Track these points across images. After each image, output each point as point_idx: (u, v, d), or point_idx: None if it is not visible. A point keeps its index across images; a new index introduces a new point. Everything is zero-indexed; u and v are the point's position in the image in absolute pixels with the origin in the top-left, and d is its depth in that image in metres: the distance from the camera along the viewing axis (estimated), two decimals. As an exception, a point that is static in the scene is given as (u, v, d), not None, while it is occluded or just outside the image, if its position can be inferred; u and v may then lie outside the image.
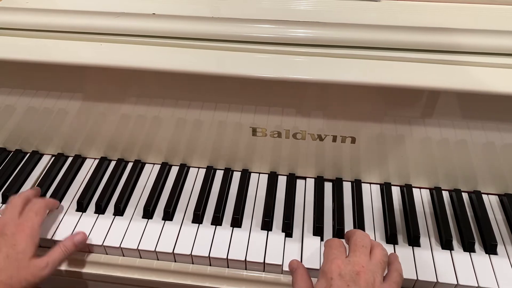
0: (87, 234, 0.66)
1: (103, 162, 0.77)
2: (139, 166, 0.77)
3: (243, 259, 0.63)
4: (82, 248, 0.66)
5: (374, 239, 0.65)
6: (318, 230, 0.66)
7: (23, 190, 0.74)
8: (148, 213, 0.69)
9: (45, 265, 0.59)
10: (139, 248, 0.64)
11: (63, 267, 0.66)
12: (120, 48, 0.66)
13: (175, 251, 0.64)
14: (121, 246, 0.65)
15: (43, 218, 0.64)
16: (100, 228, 0.67)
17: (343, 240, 0.59)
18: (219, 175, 0.75)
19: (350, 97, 0.63)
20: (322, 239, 0.65)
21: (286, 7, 0.75)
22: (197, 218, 0.68)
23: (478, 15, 0.73)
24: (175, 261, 0.65)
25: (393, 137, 0.67)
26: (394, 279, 0.55)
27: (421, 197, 0.71)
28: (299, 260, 0.62)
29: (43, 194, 0.72)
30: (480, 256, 0.63)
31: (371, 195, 0.72)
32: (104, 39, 0.67)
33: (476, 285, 0.59)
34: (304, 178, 0.74)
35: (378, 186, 0.73)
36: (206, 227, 0.67)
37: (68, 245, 0.63)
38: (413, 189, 0.72)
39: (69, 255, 0.63)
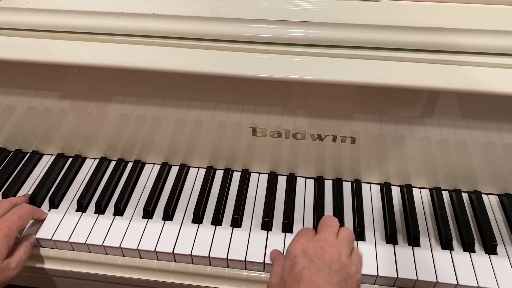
0: (87, 234, 0.66)
1: (103, 162, 0.77)
2: (139, 166, 0.77)
3: (243, 259, 0.63)
4: (81, 248, 0.66)
5: (374, 239, 0.65)
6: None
7: (23, 190, 0.74)
8: (148, 213, 0.69)
9: (16, 265, 0.60)
10: (139, 248, 0.64)
11: (63, 267, 0.66)
12: (120, 48, 0.66)
13: (175, 251, 0.64)
14: (121, 246, 0.65)
15: (24, 224, 0.64)
16: (100, 228, 0.67)
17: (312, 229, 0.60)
18: (219, 175, 0.75)
19: (350, 97, 0.63)
20: (322, 239, 0.65)
21: (286, 7, 0.75)
22: (197, 218, 0.68)
23: (478, 15, 0.73)
24: (175, 261, 0.65)
25: (393, 137, 0.67)
26: (355, 256, 0.55)
27: (421, 197, 0.71)
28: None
29: (43, 194, 0.72)
30: (480, 256, 0.63)
31: (371, 195, 0.72)
32: (104, 39, 0.67)
33: (476, 285, 0.59)
34: (304, 178, 0.74)
35: (378, 186, 0.73)
36: (206, 227, 0.67)
37: (32, 243, 0.64)
38: (413, 189, 0.72)
39: (31, 252, 0.64)
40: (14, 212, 0.63)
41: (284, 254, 0.59)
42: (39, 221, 0.68)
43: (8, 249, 0.60)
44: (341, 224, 0.66)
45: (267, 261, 0.62)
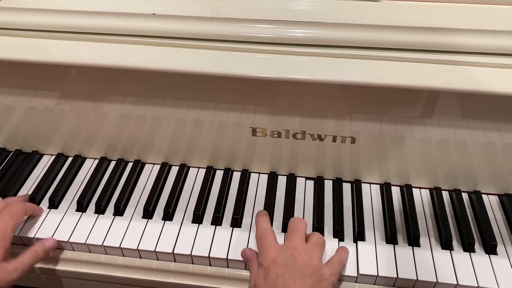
0: (87, 234, 0.66)
1: (103, 162, 0.77)
2: (139, 166, 0.77)
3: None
4: (81, 248, 0.66)
5: (374, 239, 0.65)
6: (318, 230, 0.66)
7: (23, 190, 0.74)
8: (148, 213, 0.69)
9: (14, 269, 0.59)
10: (139, 248, 0.64)
11: (64, 267, 0.66)
12: (120, 48, 0.66)
13: (175, 251, 0.64)
14: (121, 246, 0.65)
15: (18, 222, 0.64)
16: (100, 228, 0.67)
17: (269, 224, 0.62)
18: (219, 175, 0.75)
19: (350, 97, 0.63)
20: (322, 239, 0.65)
21: (286, 7, 0.75)
22: (197, 218, 0.68)
23: (478, 15, 0.73)
24: (175, 261, 0.65)
25: (393, 137, 0.67)
26: (334, 259, 0.59)
27: (421, 197, 0.71)
28: None
29: (43, 194, 0.72)
30: (480, 256, 0.63)
31: (371, 195, 0.72)
32: (104, 39, 0.67)
33: (476, 285, 0.59)
34: (304, 178, 0.74)
35: (378, 186, 0.73)
36: (206, 227, 0.67)
37: (38, 251, 0.63)
38: (413, 189, 0.72)
39: (39, 261, 0.63)
40: (5, 212, 0.63)
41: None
42: (35, 217, 0.68)
43: (4, 250, 0.59)
44: (341, 224, 0.66)
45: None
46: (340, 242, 0.65)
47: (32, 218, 0.68)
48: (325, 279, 0.55)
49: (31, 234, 0.67)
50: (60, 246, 0.66)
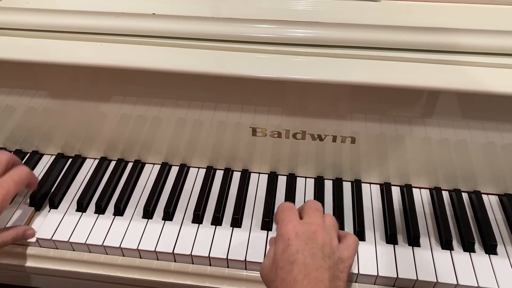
0: (87, 234, 0.66)
1: (103, 162, 0.77)
2: (139, 166, 0.77)
3: (243, 259, 0.63)
4: (81, 248, 0.66)
5: (374, 239, 0.65)
6: (318, 230, 0.66)
7: (23, 190, 0.74)
8: (148, 213, 0.69)
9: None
10: (139, 248, 0.64)
11: (63, 267, 0.66)
12: (120, 48, 0.66)
13: (175, 251, 0.64)
14: (121, 246, 0.65)
15: (19, 190, 0.63)
16: (100, 228, 0.67)
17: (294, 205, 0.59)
18: (219, 175, 0.75)
19: (350, 97, 0.63)
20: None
21: (286, 7, 0.75)
22: (197, 218, 0.68)
23: (478, 15, 0.73)
24: (175, 261, 0.65)
25: (393, 137, 0.67)
26: (350, 241, 0.56)
27: (421, 197, 0.71)
28: None
29: (43, 194, 0.72)
30: (480, 256, 0.63)
31: (371, 195, 0.72)
32: (104, 39, 0.67)
33: (476, 285, 0.59)
34: (304, 178, 0.74)
35: (378, 186, 0.73)
36: (206, 227, 0.67)
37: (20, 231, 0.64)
38: (413, 189, 0.72)
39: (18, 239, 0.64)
40: (11, 177, 0.61)
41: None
42: (31, 188, 0.68)
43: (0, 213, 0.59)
44: (341, 224, 0.66)
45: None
46: (340, 242, 0.65)
47: (28, 187, 0.68)
48: (343, 262, 0.53)
49: (31, 234, 0.67)
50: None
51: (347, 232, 0.61)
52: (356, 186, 0.72)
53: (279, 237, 0.54)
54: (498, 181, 0.70)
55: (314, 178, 0.74)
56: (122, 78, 0.67)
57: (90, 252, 0.66)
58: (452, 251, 0.63)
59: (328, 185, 0.73)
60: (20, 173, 0.63)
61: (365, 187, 0.73)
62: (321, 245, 0.52)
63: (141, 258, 0.65)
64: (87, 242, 0.65)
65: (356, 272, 0.61)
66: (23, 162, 0.78)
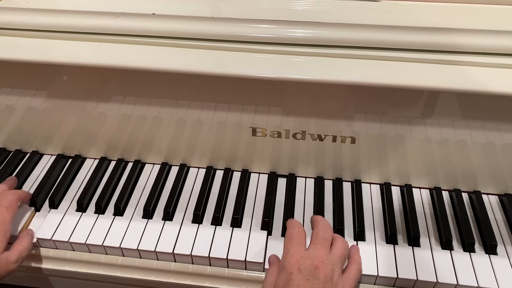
0: (87, 234, 0.66)
1: (103, 162, 0.77)
2: (139, 166, 0.77)
3: (243, 259, 0.63)
4: (81, 248, 0.66)
5: (374, 239, 0.65)
6: (318, 230, 0.66)
7: (23, 190, 0.73)
8: (148, 213, 0.69)
9: (15, 259, 0.60)
10: (139, 248, 0.64)
11: (63, 267, 0.66)
12: (120, 48, 0.66)
13: (175, 251, 0.64)
14: (121, 246, 0.65)
15: (14, 213, 0.64)
16: (100, 228, 0.67)
17: (303, 228, 0.60)
18: (219, 175, 0.75)
19: (350, 97, 0.63)
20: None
21: (286, 7, 0.75)
22: (197, 218, 0.68)
23: (478, 15, 0.73)
24: (175, 261, 0.65)
25: (393, 137, 0.67)
26: (352, 272, 0.57)
27: (421, 197, 0.71)
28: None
29: (43, 194, 0.72)
30: (480, 256, 0.63)
31: (371, 195, 0.72)
32: (104, 39, 0.67)
33: (476, 285, 0.59)
34: (304, 178, 0.74)
35: (378, 186, 0.73)
36: (206, 227, 0.67)
37: (31, 238, 0.64)
38: (413, 189, 0.72)
39: (31, 249, 0.64)
40: (1, 205, 0.63)
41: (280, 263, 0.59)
42: (26, 202, 0.69)
43: (5, 242, 0.60)
44: (341, 224, 0.66)
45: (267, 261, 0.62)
46: (340, 242, 0.65)
47: (22, 204, 0.69)
48: None
49: (31, 234, 0.67)
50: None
51: (353, 255, 0.60)
52: (356, 186, 0.72)
53: (282, 268, 0.55)
54: (498, 181, 0.70)
55: (314, 178, 0.74)
56: (122, 78, 0.67)
57: (90, 252, 0.66)
58: (452, 251, 0.63)
59: (328, 185, 0.73)
60: (7, 198, 0.64)
61: (365, 187, 0.73)
62: (322, 282, 0.52)
63: (141, 258, 0.65)
64: (87, 242, 0.65)
65: (361, 271, 0.61)
66: (23, 162, 0.78)
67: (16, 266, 0.60)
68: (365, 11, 0.74)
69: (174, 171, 0.76)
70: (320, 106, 0.65)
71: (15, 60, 0.66)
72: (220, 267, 0.64)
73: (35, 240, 0.66)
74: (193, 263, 0.65)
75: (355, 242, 0.65)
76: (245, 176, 0.74)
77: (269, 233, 0.66)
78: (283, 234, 0.66)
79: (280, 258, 0.59)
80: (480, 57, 0.62)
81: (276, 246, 0.64)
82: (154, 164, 0.78)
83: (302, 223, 0.67)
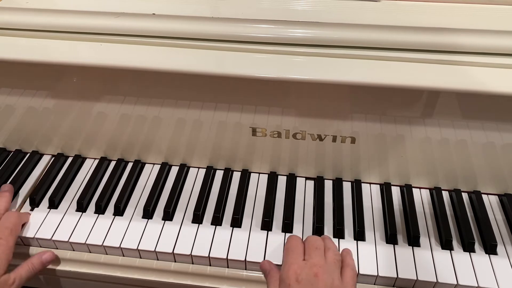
0: (87, 234, 0.66)
1: (103, 162, 0.77)
2: (139, 166, 0.77)
3: (243, 259, 0.63)
4: (81, 248, 0.66)
5: (374, 239, 0.65)
6: (318, 230, 0.66)
7: (23, 190, 0.74)
8: (148, 213, 0.69)
9: (12, 282, 0.60)
10: (139, 248, 0.64)
11: (64, 267, 0.66)
12: (120, 48, 0.66)
13: (175, 251, 0.64)
14: (121, 246, 0.65)
15: (17, 235, 0.64)
16: (100, 228, 0.67)
17: (301, 240, 0.61)
18: (219, 175, 0.75)
19: (350, 97, 0.63)
20: (322, 239, 0.65)
21: (286, 7, 0.75)
22: (197, 218, 0.68)
23: (478, 15, 0.73)
24: (175, 261, 0.65)
25: (393, 137, 0.67)
26: (348, 275, 0.57)
27: (421, 197, 0.71)
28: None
29: (43, 194, 0.72)
30: (480, 256, 0.63)
31: (371, 195, 0.72)
32: (104, 39, 0.67)
33: (476, 285, 0.59)
34: (304, 178, 0.74)
35: (378, 186, 0.73)
36: (206, 227, 0.67)
37: (35, 263, 0.63)
38: (413, 189, 0.72)
39: (35, 273, 0.64)
40: (4, 226, 0.63)
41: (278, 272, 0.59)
42: (25, 221, 0.68)
43: (7, 265, 0.60)
44: (341, 224, 0.66)
45: (267, 261, 0.62)
46: (340, 241, 0.65)
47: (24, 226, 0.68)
48: None
49: (31, 234, 0.67)
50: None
51: (346, 259, 0.60)
52: (356, 186, 0.72)
53: (281, 281, 0.56)
54: (498, 181, 0.70)
55: (314, 178, 0.74)
56: (122, 78, 0.67)
57: (90, 252, 0.66)
58: (452, 251, 0.63)
59: (328, 185, 0.73)
60: (10, 220, 0.64)
61: (365, 187, 0.73)
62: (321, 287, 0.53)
63: (141, 258, 0.65)
64: (87, 242, 0.65)
65: (356, 272, 0.61)
66: (23, 162, 0.78)
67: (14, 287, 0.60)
68: (365, 11, 0.74)
69: (174, 171, 0.76)
70: (320, 106, 0.65)
71: (15, 60, 0.66)
72: (220, 267, 0.64)
73: (32, 236, 0.66)
74: (193, 263, 0.65)
75: (355, 242, 0.65)
76: (245, 176, 0.74)
77: (269, 233, 0.66)
78: (283, 233, 0.66)
79: (275, 265, 0.60)
80: (480, 57, 0.62)
81: (276, 246, 0.64)
82: (154, 164, 0.78)
83: (302, 223, 0.67)
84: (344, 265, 0.59)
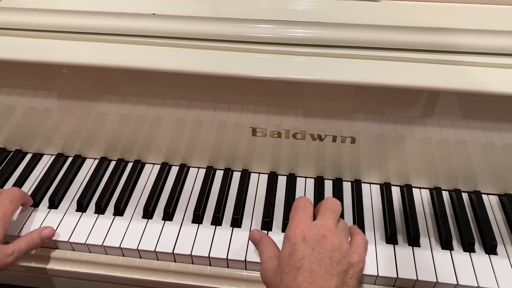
0: (87, 234, 0.66)
1: (103, 162, 0.77)
2: (139, 166, 0.77)
3: (243, 259, 0.63)
4: (81, 248, 0.66)
5: (374, 239, 0.65)
6: (318, 230, 0.66)
7: (23, 190, 0.73)
8: (148, 213, 0.69)
9: (10, 253, 0.60)
10: (139, 248, 0.64)
11: (63, 267, 0.66)
12: (120, 48, 0.66)
13: (175, 251, 0.64)
14: (121, 246, 0.65)
15: (17, 207, 0.64)
16: (100, 228, 0.67)
17: (311, 201, 0.57)
18: (219, 175, 0.75)
19: (350, 97, 0.63)
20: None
21: (286, 7, 0.75)
22: (197, 218, 0.68)
23: (478, 15, 0.73)
24: (175, 261, 0.65)
25: (393, 137, 0.67)
26: (359, 241, 0.54)
27: (421, 197, 0.71)
28: None
29: (43, 194, 0.72)
30: (480, 256, 0.63)
31: (371, 195, 0.72)
32: (104, 39, 0.67)
33: (476, 285, 0.59)
34: (304, 178, 0.74)
35: (378, 186, 0.73)
36: (206, 227, 0.67)
37: (35, 237, 0.63)
38: (413, 189, 0.72)
39: (34, 248, 0.64)
40: (5, 196, 0.63)
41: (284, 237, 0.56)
42: (27, 207, 0.69)
43: (3, 233, 0.60)
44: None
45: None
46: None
47: (24, 208, 0.69)
48: (353, 267, 0.51)
49: (31, 234, 0.67)
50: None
51: (355, 229, 0.58)
52: (356, 186, 0.72)
53: (286, 239, 0.53)
54: (498, 181, 0.70)
55: (314, 178, 0.74)
56: (122, 78, 0.67)
57: (90, 252, 0.66)
58: (452, 251, 0.63)
59: (328, 185, 0.73)
60: (12, 192, 0.64)
61: (365, 187, 0.73)
62: (329, 250, 0.50)
63: (141, 258, 0.65)
64: (87, 242, 0.65)
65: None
66: (23, 162, 0.78)
67: (12, 259, 0.59)
68: (365, 11, 0.74)
69: (174, 171, 0.76)
70: (320, 106, 0.65)
71: (15, 60, 0.66)
72: (220, 267, 0.64)
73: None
74: (193, 263, 0.65)
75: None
76: (245, 176, 0.74)
77: (269, 233, 0.66)
78: (283, 233, 0.66)
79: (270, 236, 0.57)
80: (480, 57, 0.62)
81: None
82: (154, 164, 0.78)
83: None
84: (355, 233, 0.56)
